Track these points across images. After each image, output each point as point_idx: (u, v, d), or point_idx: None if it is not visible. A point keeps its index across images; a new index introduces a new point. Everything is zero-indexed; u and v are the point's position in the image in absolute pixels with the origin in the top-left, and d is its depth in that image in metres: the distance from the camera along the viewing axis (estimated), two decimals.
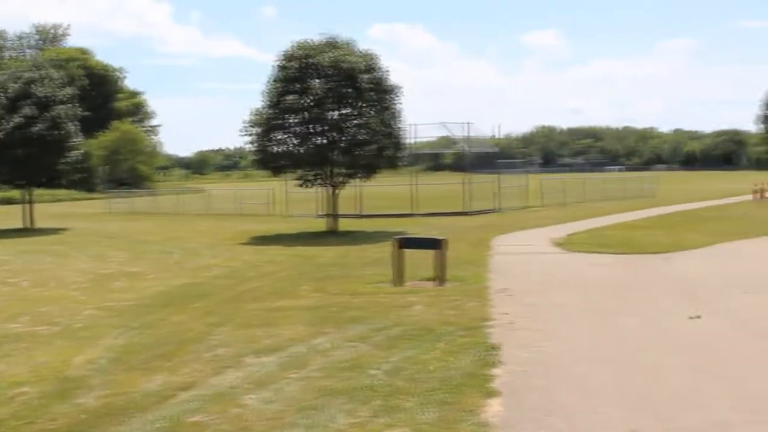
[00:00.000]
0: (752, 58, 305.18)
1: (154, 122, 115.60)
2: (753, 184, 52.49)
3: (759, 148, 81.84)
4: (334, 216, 32.84)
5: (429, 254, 16.04)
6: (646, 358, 9.39)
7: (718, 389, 7.93)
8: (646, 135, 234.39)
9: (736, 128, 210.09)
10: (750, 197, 50.37)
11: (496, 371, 8.57)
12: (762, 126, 62.59)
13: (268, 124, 30.50)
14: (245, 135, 31.20)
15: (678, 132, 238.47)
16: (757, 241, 25.11)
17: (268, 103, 30.69)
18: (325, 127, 30.65)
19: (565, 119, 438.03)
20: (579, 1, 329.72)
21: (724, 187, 74.67)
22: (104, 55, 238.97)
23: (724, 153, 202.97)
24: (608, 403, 7.50)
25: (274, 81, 30.90)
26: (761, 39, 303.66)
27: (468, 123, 43.25)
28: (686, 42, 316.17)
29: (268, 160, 31.61)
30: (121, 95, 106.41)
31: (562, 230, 29.53)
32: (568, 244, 24.49)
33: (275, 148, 31.13)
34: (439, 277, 15.57)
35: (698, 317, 11.71)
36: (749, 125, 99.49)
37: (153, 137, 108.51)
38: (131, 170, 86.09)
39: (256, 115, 30.86)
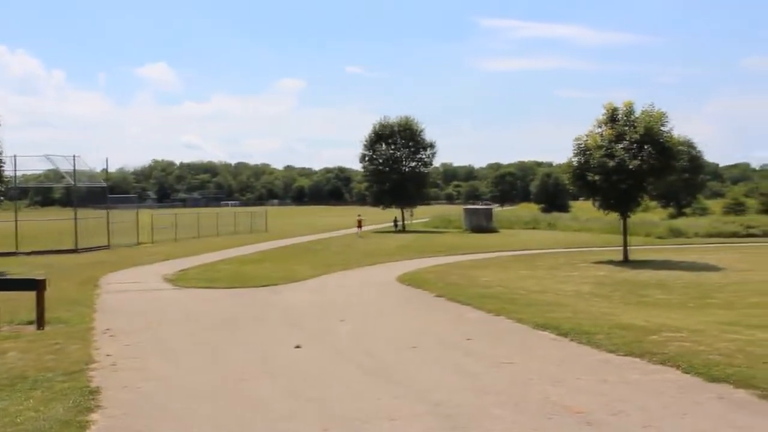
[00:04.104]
0: (354, 101, 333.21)
1: None
2: (357, 215, 57.97)
3: (362, 184, 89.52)
4: None
5: (32, 296, 15.01)
6: (249, 388, 9.76)
7: (313, 412, 8.49)
8: (259, 171, 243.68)
9: (342, 166, 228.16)
10: (355, 230, 55.32)
11: (94, 416, 8.28)
12: (363, 164, 68.83)
13: None
14: None
15: (289, 168, 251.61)
16: (355, 272, 27.58)
17: None
18: None
19: (182, 154, 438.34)
20: (189, 37, 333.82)
21: (332, 221, 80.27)
22: None
23: (333, 189, 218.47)
24: None
25: None
26: (361, 84, 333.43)
27: (75, 156, 41.37)
28: (296, 83, 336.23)
29: None
30: None
31: (175, 266, 29.54)
32: (179, 280, 24.56)
33: None
34: (39, 320, 14.64)
35: (299, 347, 12.41)
36: (354, 163, 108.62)
37: None
38: None
39: None
